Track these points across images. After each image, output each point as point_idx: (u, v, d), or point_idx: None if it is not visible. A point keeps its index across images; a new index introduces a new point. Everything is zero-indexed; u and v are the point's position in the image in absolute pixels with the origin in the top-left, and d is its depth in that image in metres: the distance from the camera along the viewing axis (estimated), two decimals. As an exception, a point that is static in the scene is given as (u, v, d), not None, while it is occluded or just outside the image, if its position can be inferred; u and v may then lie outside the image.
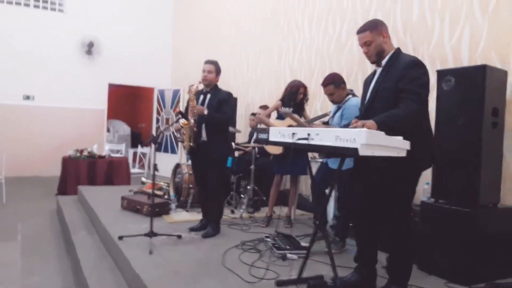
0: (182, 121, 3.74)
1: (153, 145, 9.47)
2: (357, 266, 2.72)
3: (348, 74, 4.83)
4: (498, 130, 2.99)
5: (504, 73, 3.06)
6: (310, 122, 4.04)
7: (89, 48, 9.61)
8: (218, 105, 3.80)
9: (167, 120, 10.22)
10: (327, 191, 3.92)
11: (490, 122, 2.90)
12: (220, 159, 3.90)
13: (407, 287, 2.55)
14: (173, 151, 9.86)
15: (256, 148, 4.94)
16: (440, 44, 3.82)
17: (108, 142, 10.10)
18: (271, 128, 2.79)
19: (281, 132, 2.64)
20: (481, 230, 2.85)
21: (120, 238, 3.51)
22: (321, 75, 5.41)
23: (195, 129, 3.78)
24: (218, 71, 3.88)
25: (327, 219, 3.81)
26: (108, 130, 10.76)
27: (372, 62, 2.59)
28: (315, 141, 2.29)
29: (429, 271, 2.99)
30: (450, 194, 3.02)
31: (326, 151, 2.23)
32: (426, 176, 2.92)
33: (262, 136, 2.85)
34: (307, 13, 5.79)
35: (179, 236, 3.66)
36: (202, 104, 3.86)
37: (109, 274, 3.23)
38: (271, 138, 2.76)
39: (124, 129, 12.75)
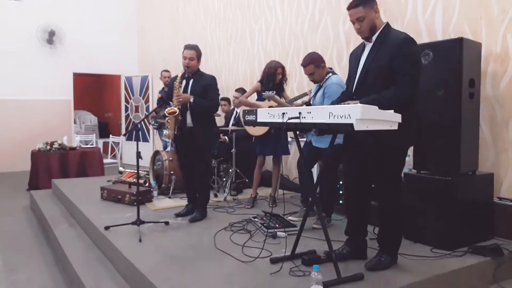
0: (168, 109, 3.67)
1: (127, 134, 9.21)
2: (348, 238, 2.80)
3: (323, 53, 4.79)
4: (475, 100, 3.12)
5: (479, 45, 3.18)
6: (290, 102, 4.08)
7: (50, 37, 9.19)
8: (203, 90, 3.75)
9: (137, 107, 10.01)
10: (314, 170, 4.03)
11: (468, 93, 3.02)
12: (206, 145, 3.88)
13: (397, 256, 2.66)
14: (145, 139, 9.69)
15: (233, 132, 4.92)
16: (414, 19, 3.91)
17: (75, 133, 9.79)
18: (259, 110, 2.79)
19: (270, 113, 2.65)
20: (462, 197, 2.99)
21: (107, 228, 3.45)
22: (296, 55, 5.44)
23: (179, 117, 3.71)
24: (199, 55, 3.80)
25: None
26: (74, 121, 10.42)
27: (364, 38, 2.57)
28: (307, 119, 2.32)
29: (414, 239, 3.11)
30: (431, 165, 3.13)
31: (320, 128, 2.26)
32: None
33: (250, 117, 2.84)
34: (278, -7, 5.77)
35: (167, 223, 3.64)
36: (185, 90, 3.78)
37: (98, 265, 3.18)
38: (259, 119, 2.76)
39: (91, 119, 12.39)
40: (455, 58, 2.95)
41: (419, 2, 3.86)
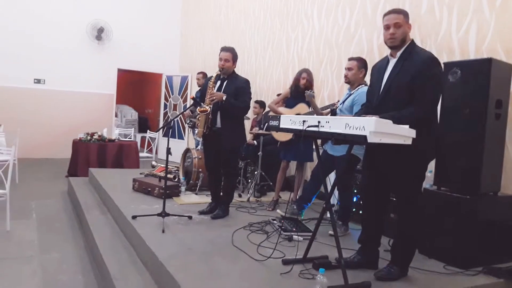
0: (199, 107, 3.81)
1: (164, 131, 9.53)
2: (361, 247, 2.86)
3: (356, 64, 4.91)
4: (501, 121, 3.10)
5: (509, 67, 3.15)
6: (322, 110, 4.18)
7: (99, 34, 9.69)
8: (235, 92, 3.81)
9: (175, 106, 10.35)
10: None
11: (494, 114, 3.01)
12: (233, 148, 3.96)
13: (408, 269, 2.70)
14: (181, 137, 10.01)
15: (261, 136, 5.07)
16: (448, 37, 3.91)
17: (115, 126, 10.25)
18: (282, 116, 2.91)
19: (292, 120, 2.76)
20: (481, 217, 2.98)
21: (134, 217, 3.66)
22: (329, 64, 5.51)
23: (210, 116, 3.82)
24: (235, 58, 3.89)
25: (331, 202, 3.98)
26: (115, 115, 10.89)
27: (392, 47, 2.61)
28: (325, 129, 2.42)
29: (428, 254, 3.12)
30: (452, 182, 3.14)
31: (335, 138, 2.35)
32: (429, 164, 3.04)
33: (273, 123, 2.97)
34: (317, 3, 5.86)
35: (190, 217, 3.81)
36: (219, 90, 3.87)
37: (123, 251, 3.39)
38: (282, 125, 2.88)
39: (132, 114, 12.89)
40: (483, 78, 2.95)
41: (453, 19, 3.86)
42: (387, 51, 2.74)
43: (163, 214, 3.60)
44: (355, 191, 4.04)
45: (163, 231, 3.36)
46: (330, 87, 5.45)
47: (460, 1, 3.80)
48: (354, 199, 4.04)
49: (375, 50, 4.78)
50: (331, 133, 2.38)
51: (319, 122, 2.45)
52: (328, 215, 2.68)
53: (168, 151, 3.68)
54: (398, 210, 2.71)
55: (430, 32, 4.06)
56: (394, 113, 2.43)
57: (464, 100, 3.06)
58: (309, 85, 4.32)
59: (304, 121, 2.58)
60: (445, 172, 3.18)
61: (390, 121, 2.15)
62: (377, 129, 2.07)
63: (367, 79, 3.74)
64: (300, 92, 4.29)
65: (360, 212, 3.99)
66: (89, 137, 7.08)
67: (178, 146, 8.91)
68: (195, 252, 2.97)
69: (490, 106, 2.97)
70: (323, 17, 5.71)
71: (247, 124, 6.90)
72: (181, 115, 5.90)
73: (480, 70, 2.98)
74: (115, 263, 3.12)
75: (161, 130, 10.18)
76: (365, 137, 2.10)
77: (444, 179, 3.19)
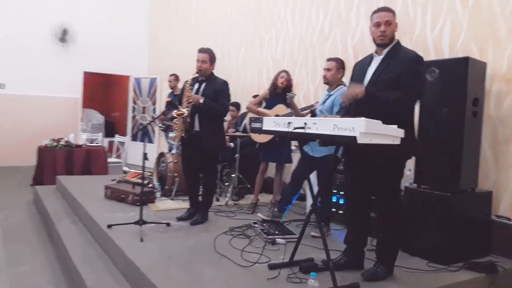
0: (176, 111, 3.70)
1: (134, 135, 9.21)
2: (346, 248, 2.84)
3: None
4: (478, 119, 3.17)
5: (484, 65, 3.23)
6: (301, 111, 4.16)
7: (63, 35, 9.33)
8: (214, 94, 3.74)
9: (144, 109, 10.11)
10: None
11: (471, 112, 3.07)
12: (213, 152, 3.88)
13: (394, 267, 2.70)
14: (150, 141, 9.77)
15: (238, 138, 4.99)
16: (422, 36, 3.97)
17: (81, 131, 9.89)
18: (265, 118, 2.85)
19: (276, 122, 2.70)
20: (461, 213, 3.03)
21: (109, 226, 3.50)
22: (304, 65, 5.51)
23: (188, 119, 3.73)
24: (212, 59, 3.81)
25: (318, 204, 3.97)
26: (81, 120, 10.52)
27: (381, 44, 2.62)
28: (312, 130, 2.37)
29: (411, 252, 3.14)
30: (431, 180, 3.18)
31: (323, 139, 2.31)
32: (409, 163, 3.06)
33: (256, 125, 2.90)
34: (290, 4, 5.85)
35: (168, 224, 3.68)
36: (197, 92, 3.78)
37: (99, 262, 3.23)
38: (265, 127, 2.82)
39: (98, 118, 12.48)
40: (461, 77, 3.01)
41: (427, 19, 3.93)
42: (362, 51, 2.76)
43: (140, 222, 3.46)
44: (334, 191, 4.04)
45: (141, 240, 3.23)
46: (305, 88, 5.44)
47: (434, 1, 3.87)
48: (334, 199, 4.04)
49: (350, 50, 4.81)
50: (318, 135, 2.33)
51: (305, 123, 2.40)
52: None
53: (145, 156, 3.54)
54: (378, 209, 2.70)
55: (405, 31, 4.11)
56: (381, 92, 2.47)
57: (442, 99, 3.11)
58: (288, 85, 4.30)
59: (289, 123, 2.53)
60: (425, 170, 3.21)
61: (380, 122, 2.13)
62: (368, 130, 2.04)
63: (345, 79, 3.76)
64: (278, 93, 4.27)
65: (340, 212, 3.99)
66: (55, 143, 6.78)
67: (148, 150, 8.65)
68: (176, 260, 2.86)
69: (468, 104, 3.03)
70: (297, 18, 5.71)
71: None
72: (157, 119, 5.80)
73: (458, 69, 3.04)
74: (91, 273, 2.96)
75: (130, 134, 9.96)
76: (354, 138, 2.07)
77: (424, 177, 3.24)
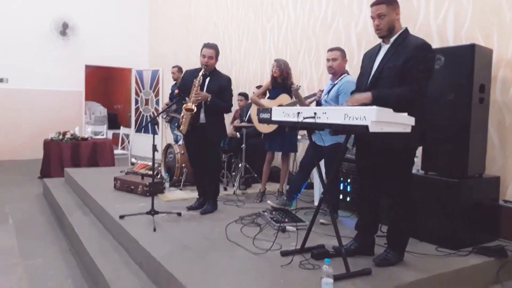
0: (186, 105, 3.74)
1: (136, 127, 9.28)
2: (357, 234, 2.89)
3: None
4: (484, 105, 3.19)
5: (490, 52, 3.25)
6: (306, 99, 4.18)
7: (64, 29, 9.32)
8: (219, 90, 3.82)
9: (147, 100, 10.13)
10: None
11: (478, 98, 3.09)
12: (217, 140, 3.98)
13: (404, 253, 2.76)
14: (154, 132, 9.79)
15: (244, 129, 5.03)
16: (426, 24, 3.98)
17: (85, 124, 9.93)
18: (273, 108, 2.88)
19: (285, 112, 2.74)
20: (469, 198, 3.08)
21: (122, 217, 3.56)
22: (307, 54, 5.52)
23: (193, 113, 3.78)
24: (217, 54, 3.88)
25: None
26: (84, 112, 10.56)
27: (381, 37, 2.64)
28: (322, 120, 2.40)
29: (420, 238, 3.19)
30: (439, 167, 3.22)
31: (334, 128, 2.35)
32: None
33: (264, 116, 2.94)
34: (292, -8, 5.84)
35: (179, 214, 3.75)
36: (202, 87, 3.83)
37: (114, 253, 3.29)
38: (273, 118, 2.85)
39: (101, 110, 12.53)
40: (467, 64, 3.03)
41: (431, 6, 3.93)
42: (365, 40, 2.77)
43: (152, 212, 3.53)
44: (342, 179, 4.09)
45: (154, 230, 3.29)
46: (309, 76, 5.46)
47: (438, -12, 3.87)
48: (341, 186, 4.09)
49: (353, 39, 4.82)
50: (329, 124, 2.37)
51: (315, 113, 2.43)
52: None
53: (154, 148, 3.59)
54: (389, 195, 2.74)
55: (408, 19, 4.11)
56: (387, 90, 2.49)
57: (448, 86, 3.13)
58: (283, 73, 4.32)
59: (298, 113, 2.56)
60: (432, 157, 3.25)
61: (391, 110, 2.17)
62: (379, 119, 2.07)
63: (348, 68, 3.79)
64: (279, 83, 4.32)
65: (348, 199, 4.04)
66: (61, 137, 6.84)
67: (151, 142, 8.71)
68: (191, 249, 2.91)
69: (475, 91, 3.05)
70: (299, 7, 5.70)
71: (229, 115, 6.87)
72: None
73: (464, 56, 3.05)
74: (107, 265, 3.02)
75: (135, 126, 9.99)
76: (366, 127, 2.10)
77: (431, 164, 3.27)
